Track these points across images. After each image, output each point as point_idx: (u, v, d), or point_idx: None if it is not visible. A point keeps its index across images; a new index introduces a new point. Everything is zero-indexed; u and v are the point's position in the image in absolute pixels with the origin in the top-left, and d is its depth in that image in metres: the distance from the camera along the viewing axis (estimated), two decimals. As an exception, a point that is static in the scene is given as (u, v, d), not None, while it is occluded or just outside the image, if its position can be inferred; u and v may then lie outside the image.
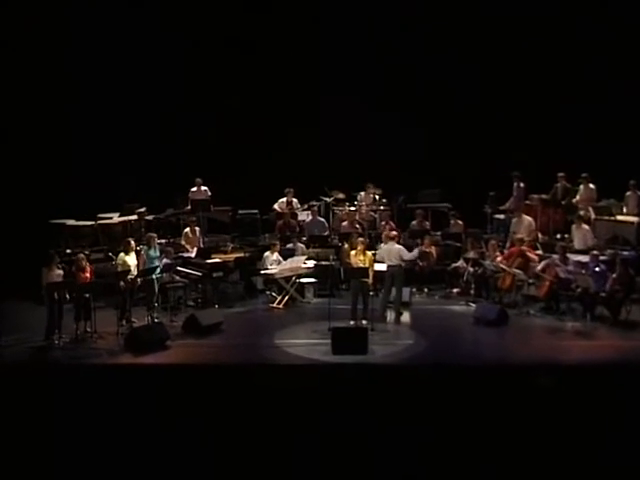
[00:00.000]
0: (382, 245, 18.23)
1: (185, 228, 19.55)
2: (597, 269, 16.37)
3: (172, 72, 21.66)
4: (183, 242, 19.13)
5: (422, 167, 21.36)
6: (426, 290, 18.63)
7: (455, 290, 18.47)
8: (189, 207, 20.66)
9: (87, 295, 15.48)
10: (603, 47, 20.83)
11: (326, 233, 20.37)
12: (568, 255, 17.03)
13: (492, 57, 21.49)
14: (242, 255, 19.13)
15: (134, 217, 19.96)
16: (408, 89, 21.75)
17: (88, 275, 15.76)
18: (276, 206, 21.01)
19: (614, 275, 16.24)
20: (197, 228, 19.44)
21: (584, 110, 20.89)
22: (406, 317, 17.01)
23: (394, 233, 17.47)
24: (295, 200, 21.09)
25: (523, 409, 12.42)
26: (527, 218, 19.27)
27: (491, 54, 21.46)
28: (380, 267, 17.10)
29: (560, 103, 21.23)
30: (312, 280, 18.28)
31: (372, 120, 21.71)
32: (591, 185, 19.77)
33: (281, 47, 21.75)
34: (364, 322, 16.06)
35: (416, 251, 17.78)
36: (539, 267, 16.95)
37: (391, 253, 16.79)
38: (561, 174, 20.12)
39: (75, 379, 13.63)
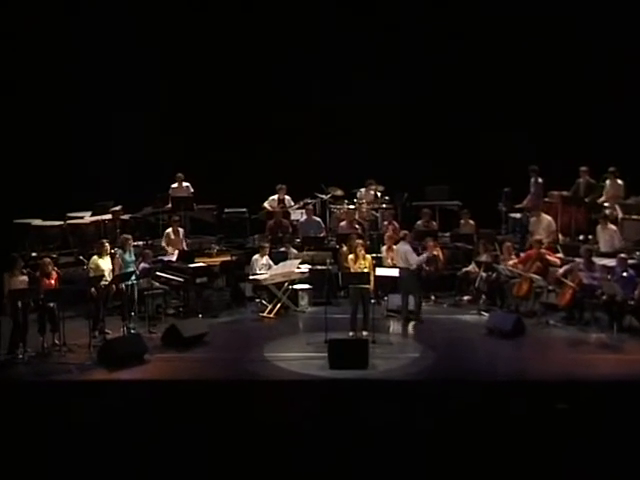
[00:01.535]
0: (383, 248, 18.37)
1: (167, 229, 19.52)
2: (625, 274, 16.35)
3: (153, 63, 21.81)
4: (164, 244, 19.10)
5: (429, 161, 21.36)
6: (433, 298, 18.59)
7: (466, 298, 18.46)
8: (169, 205, 20.64)
9: (51, 304, 15.40)
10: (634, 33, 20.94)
11: (322, 234, 20.34)
12: (594, 259, 16.99)
13: (507, 42, 21.54)
14: (228, 259, 19.10)
15: (108, 216, 19.92)
16: (413, 76, 21.82)
17: (53, 281, 15.65)
18: (266, 204, 20.98)
19: (644, 281, 16.26)
20: (180, 229, 19.41)
21: (609, 98, 20.91)
22: (411, 328, 17.00)
23: (404, 232, 17.57)
24: (288, 197, 21.07)
25: (542, 429, 12.42)
26: (546, 217, 19.25)
27: (507, 39, 21.51)
28: (383, 272, 17.13)
29: (583, 89, 21.24)
30: (307, 286, 18.27)
31: (373, 110, 21.78)
32: (618, 180, 19.72)
33: (272, 34, 21.89)
34: (364, 333, 16.02)
35: (424, 255, 17.83)
36: (561, 271, 16.94)
37: (398, 254, 16.90)
38: (584, 168, 20.09)
39: (42, 398, 13.56)
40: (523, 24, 21.33)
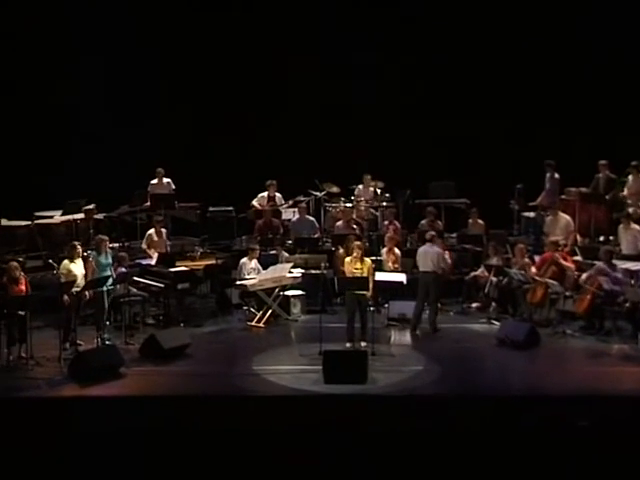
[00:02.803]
0: (383, 250, 18.36)
1: (145, 229, 19.52)
2: (650, 279, 16.39)
3: (134, 55, 22.04)
4: (145, 246, 19.07)
5: (433, 154, 21.38)
6: (439, 305, 18.55)
7: (474, 305, 18.46)
8: (148, 203, 20.63)
9: (22, 312, 15.35)
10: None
11: (316, 235, 20.35)
12: (615, 262, 16.96)
13: (520, 32, 21.73)
14: (213, 262, 19.08)
15: (80, 216, 19.91)
16: (416, 64, 21.92)
17: (23, 287, 15.60)
18: (255, 202, 20.98)
19: (671, 286, 16.26)
20: (163, 230, 19.38)
21: (630, 86, 20.96)
22: (414, 338, 16.97)
23: (432, 233, 17.51)
24: (278, 195, 21.07)
25: (559, 448, 12.42)
26: (564, 217, 19.24)
27: (520, 30, 21.70)
28: (385, 277, 17.11)
29: (602, 76, 21.31)
30: (299, 293, 18.26)
31: (372, 99, 21.83)
32: (642, 175, 19.79)
33: (260, 27, 22.14)
34: (363, 344, 16.02)
35: (449, 260, 17.99)
36: (584, 276, 16.88)
37: (427, 257, 16.88)
38: (603, 162, 20.03)
39: (7, 416, 13.50)
40: (540, 15, 21.49)
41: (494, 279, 17.76)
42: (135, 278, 17.34)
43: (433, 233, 17.58)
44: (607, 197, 19.88)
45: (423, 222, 20.17)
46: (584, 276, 16.90)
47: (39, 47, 21.47)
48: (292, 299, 18.16)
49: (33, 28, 21.50)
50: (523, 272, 17.39)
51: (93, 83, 21.74)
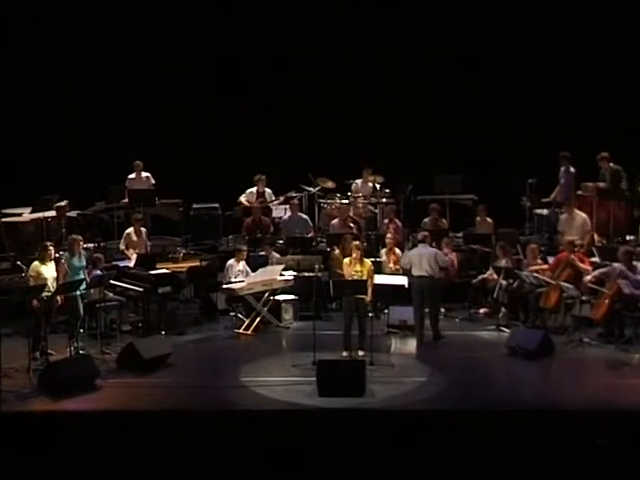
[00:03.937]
0: (383, 251, 18.37)
1: (124, 228, 19.51)
2: (673, 282, 16.39)
3: (117, 46, 22.18)
4: (123, 247, 19.06)
5: (438, 146, 21.37)
6: (443, 310, 18.57)
7: (482, 310, 18.47)
8: (126, 200, 20.61)
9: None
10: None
11: (310, 234, 20.36)
12: (635, 263, 16.96)
13: (526, 21, 21.94)
14: (197, 264, 19.09)
15: (51, 213, 19.86)
16: (423, 53, 22.04)
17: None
18: (243, 198, 20.98)
19: (696, 290, 16.26)
20: (143, 229, 19.38)
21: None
22: (416, 347, 16.99)
23: (425, 233, 17.50)
24: (268, 191, 21.07)
25: (575, 467, 12.42)
26: (580, 214, 19.24)
27: (526, 19, 21.90)
28: (385, 280, 17.10)
29: (619, 64, 21.38)
30: (291, 297, 18.25)
31: (371, 90, 21.87)
32: (664, 169, 19.82)
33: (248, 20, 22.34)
34: (360, 353, 16.02)
35: (448, 257, 18.00)
36: (588, 277, 16.88)
37: (423, 259, 16.83)
38: (603, 154, 19.86)
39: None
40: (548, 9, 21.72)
41: (504, 282, 17.73)
42: (112, 281, 17.31)
43: (426, 233, 17.54)
44: (626, 193, 19.85)
45: (426, 220, 20.18)
46: (588, 277, 16.89)
47: (31, 43, 21.56)
48: (283, 304, 18.15)
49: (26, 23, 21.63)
50: (535, 274, 17.37)
51: (76, 77, 21.78)
